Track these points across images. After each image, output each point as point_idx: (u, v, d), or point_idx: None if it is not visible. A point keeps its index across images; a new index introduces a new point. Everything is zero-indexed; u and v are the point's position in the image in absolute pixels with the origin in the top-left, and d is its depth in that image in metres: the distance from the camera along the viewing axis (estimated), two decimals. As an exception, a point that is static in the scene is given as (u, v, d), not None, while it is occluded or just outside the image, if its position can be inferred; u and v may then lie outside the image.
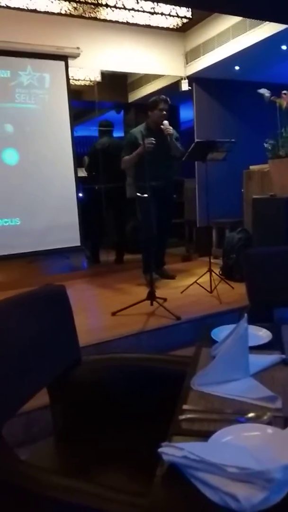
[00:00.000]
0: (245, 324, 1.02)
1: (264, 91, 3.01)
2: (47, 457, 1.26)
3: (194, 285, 3.64)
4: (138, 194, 3.29)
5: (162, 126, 3.69)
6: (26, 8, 3.98)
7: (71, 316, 1.35)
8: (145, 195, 3.15)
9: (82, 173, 5.11)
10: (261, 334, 1.24)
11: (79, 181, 4.65)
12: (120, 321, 3.03)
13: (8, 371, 1.05)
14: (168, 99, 3.86)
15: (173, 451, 0.72)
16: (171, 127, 3.74)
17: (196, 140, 3.28)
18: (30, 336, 1.17)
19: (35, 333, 1.19)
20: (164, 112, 3.76)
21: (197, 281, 3.64)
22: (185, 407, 0.91)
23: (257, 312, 1.74)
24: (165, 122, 3.71)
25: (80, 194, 4.76)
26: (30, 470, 0.89)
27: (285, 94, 3.02)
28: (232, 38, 4.27)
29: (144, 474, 1.01)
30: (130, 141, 3.87)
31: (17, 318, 1.15)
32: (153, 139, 3.56)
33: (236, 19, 4.15)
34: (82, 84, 5.51)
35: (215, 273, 3.67)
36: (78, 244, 4.56)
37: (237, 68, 4.77)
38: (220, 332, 1.24)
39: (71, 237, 4.50)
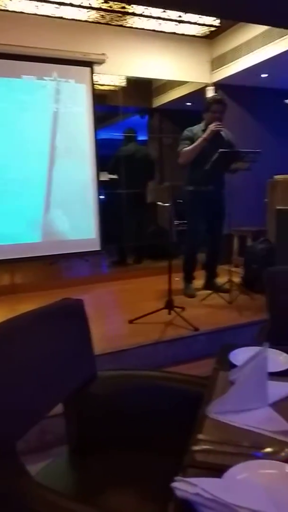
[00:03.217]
0: (266, 353, 1.00)
1: (291, 101, 2.95)
2: (59, 473, 1.26)
3: (214, 294, 3.60)
4: (159, 202, 3.27)
5: (212, 127, 3.45)
6: (53, 16, 4.04)
7: (88, 331, 1.34)
8: (167, 204, 3.13)
9: (104, 177, 5.19)
10: (281, 360, 1.21)
11: (101, 185, 4.71)
12: (137, 329, 3.02)
13: (24, 388, 1.05)
14: (222, 98, 3.64)
15: (186, 486, 0.71)
16: (220, 124, 3.47)
17: (219, 149, 3.23)
18: (46, 351, 1.17)
19: (52, 349, 1.19)
20: (218, 114, 3.51)
21: (217, 291, 3.60)
22: (200, 436, 0.89)
23: (278, 331, 1.70)
24: (218, 123, 3.48)
25: (102, 196, 4.83)
26: (42, 492, 0.89)
27: (312, 104, 2.96)
28: (261, 46, 4.22)
29: (156, 498, 1.00)
30: (188, 136, 3.60)
31: (34, 333, 1.15)
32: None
33: (264, 27, 4.10)
34: (107, 88, 5.55)
35: (236, 283, 3.62)
36: (98, 248, 4.59)
37: (264, 75, 4.71)
38: (238, 355, 1.22)
39: (92, 241, 4.53)
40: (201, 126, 3.63)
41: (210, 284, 3.92)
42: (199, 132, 3.54)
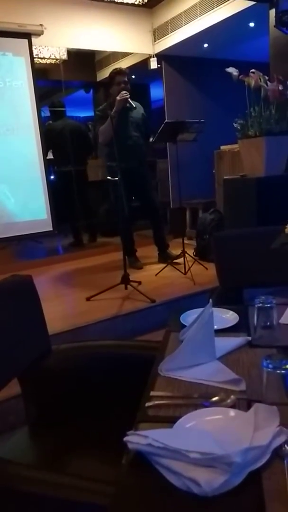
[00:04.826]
0: (211, 309, 1.03)
1: (232, 70, 2.97)
2: (21, 448, 1.26)
3: (169, 267, 3.66)
4: (108, 177, 3.23)
5: (118, 97, 3.46)
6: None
7: (39, 306, 1.33)
8: (116, 179, 3.10)
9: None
10: (228, 317, 1.26)
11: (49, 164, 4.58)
12: (95, 306, 3.02)
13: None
14: (123, 68, 3.65)
15: (138, 439, 0.73)
16: (126, 93, 3.47)
17: (165, 120, 3.23)
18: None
19: (0, 326, 1.17)
20: (123, 85, 3.52)
21: (172, 263, 3.66)
22: (152, 393, 0.92)
23: (227, 293, 1.77)
24: (123, 92, 3.48)
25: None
26: (2, 465, 0.89)
27: (253, 73, 2.99)
28: (200, 15, 4.19)
29: (115, 459, 1.03)
30: (101, 115, 3.64)
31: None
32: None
33: (203, -6, 4.08)
34: (48, 62, 5.34)
35: (189, 255, 3.70)
36: (50, 229, 4.50)
37: (206, 45, 4.71)
38: (189, 316, 1.25)
39: (43, 221, 4.43)
40: (109, 102, 3.62)
41: (163, 256, 3.97)
42: (109, 108, 3.52)
